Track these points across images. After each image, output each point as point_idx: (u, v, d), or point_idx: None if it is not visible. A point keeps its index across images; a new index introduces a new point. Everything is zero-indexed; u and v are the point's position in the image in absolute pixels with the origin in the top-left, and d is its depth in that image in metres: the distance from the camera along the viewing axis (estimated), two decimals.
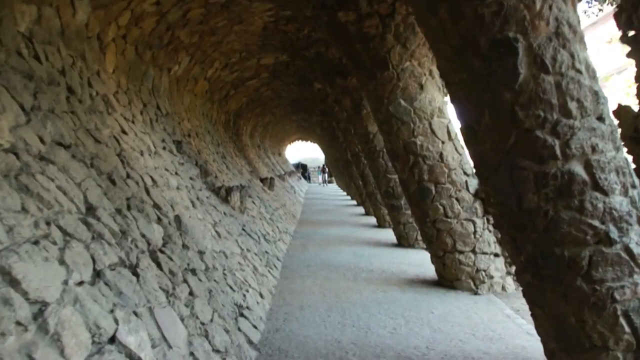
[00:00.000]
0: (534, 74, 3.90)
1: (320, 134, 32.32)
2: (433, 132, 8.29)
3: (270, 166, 29.72)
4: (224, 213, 9.56)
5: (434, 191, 8.32)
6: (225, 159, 14.91)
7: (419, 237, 12.60)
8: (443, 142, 8.32)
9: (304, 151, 68.83)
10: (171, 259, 5.56)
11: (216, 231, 8.15)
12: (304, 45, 12.19)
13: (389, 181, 12.84)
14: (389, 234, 14.89)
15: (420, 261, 10.94)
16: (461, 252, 8.31)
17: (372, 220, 18.57)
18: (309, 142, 47.97)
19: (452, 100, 4.62)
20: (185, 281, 5.45)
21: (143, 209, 5.96)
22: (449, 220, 8.31)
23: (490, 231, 8.41)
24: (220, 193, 10.16)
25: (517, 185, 4.06)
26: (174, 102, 11.93)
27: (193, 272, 5.90)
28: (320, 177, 59.39)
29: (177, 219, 6.78)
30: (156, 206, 6.48)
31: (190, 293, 5.38)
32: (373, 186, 16.88)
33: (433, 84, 8.40)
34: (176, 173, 8.70)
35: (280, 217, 15.61)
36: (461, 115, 4.54)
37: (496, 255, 8.39)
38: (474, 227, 8.32)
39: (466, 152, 8.61)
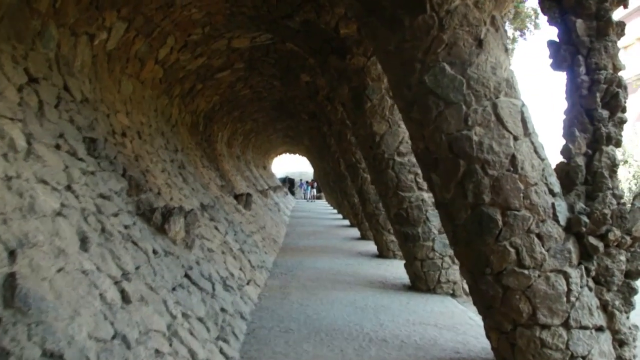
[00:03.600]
0: None
1: (309, 145, 28.94)
2: (500, 120, 4.84)
3: (252, 180, 26.15)
4: (154, 252, 6.06)
5: (500, 222, 4.84)
6: (184, 169, 11.38)
7: (443, 279, 9.18)
8: (516, 139, 4.87)
9: (293, 165, 65.77)
10: None
11: (122, 291, 4.65)
12: (286, 11, 8.75)
13: (402, 201, 9.35)
14: (396, 269, 11.44)
15: (450, 317, 7.55)
16: (545, 327, 4.84)
17: (372, 246, 15.01)
18: (297, 154, 44.65)
19: None
20: None
21: None
22: (525, 271, 4.83)
23: (591, 289, 4.97)
24: (153, 218, 6.65)
25: None
26: (103, 86, 8.44)
27: None
28: (309, 192, 55.74)
29: (10, 281, 3.30)
30: None
31: None
32: (374, 206, 13.40)
33: (497, 39, 4.98)
34: (68, 187, 5.23)
35: (255, 246, 12.06)
36: None
37: (600, 329, 4.96)
38: (567, 284, 4.85)
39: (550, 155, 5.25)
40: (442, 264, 9.20)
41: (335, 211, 33.71)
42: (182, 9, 9.08)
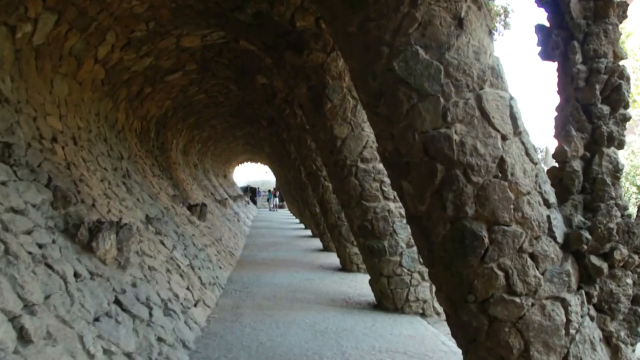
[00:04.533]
0: None
1: (270, 153, 28.06)
2: (485, 116, 4.03)
3: (210, 189, 25.09)
4: (76, 275, 5.11)
5: (486, 239, 4.01)
6: (129, 178, 10.39)
7: (412, 297, 8.38)
8: (504, 138, 4.06)
9: (257, 173, 65.07)
10: None
11: (20, 328, 3.71)
12: (236, 2, 7.87)
13: (366, 211, 8.51)
14: (360, 284, 10.63)
15: (421, 342, 6.74)
16: None
17: (334, 259, 14.14)
18: (259, 163, 43.72)
19: None
20: None
21: None
22: (516, 299, 4.00)
23: (592, 319, 4.17)
24: (78, 235, 5.69)
25: None
26: (30, 85, 7.45)
27: None
28: (272, 201, 54.80)
29: None
30: None
31: None
32: (336, 216, 12.57)
33: (480, 18, 4.17)
34: None
35: (208, 260, 11.11)
36: None
37: None
38: (566, 313, 4.04)
39: (543, 159, 4.39)
40: (410, 281, 8.40)
41: (298, 221, 32.83)
42: (121, 0, 8.14)
